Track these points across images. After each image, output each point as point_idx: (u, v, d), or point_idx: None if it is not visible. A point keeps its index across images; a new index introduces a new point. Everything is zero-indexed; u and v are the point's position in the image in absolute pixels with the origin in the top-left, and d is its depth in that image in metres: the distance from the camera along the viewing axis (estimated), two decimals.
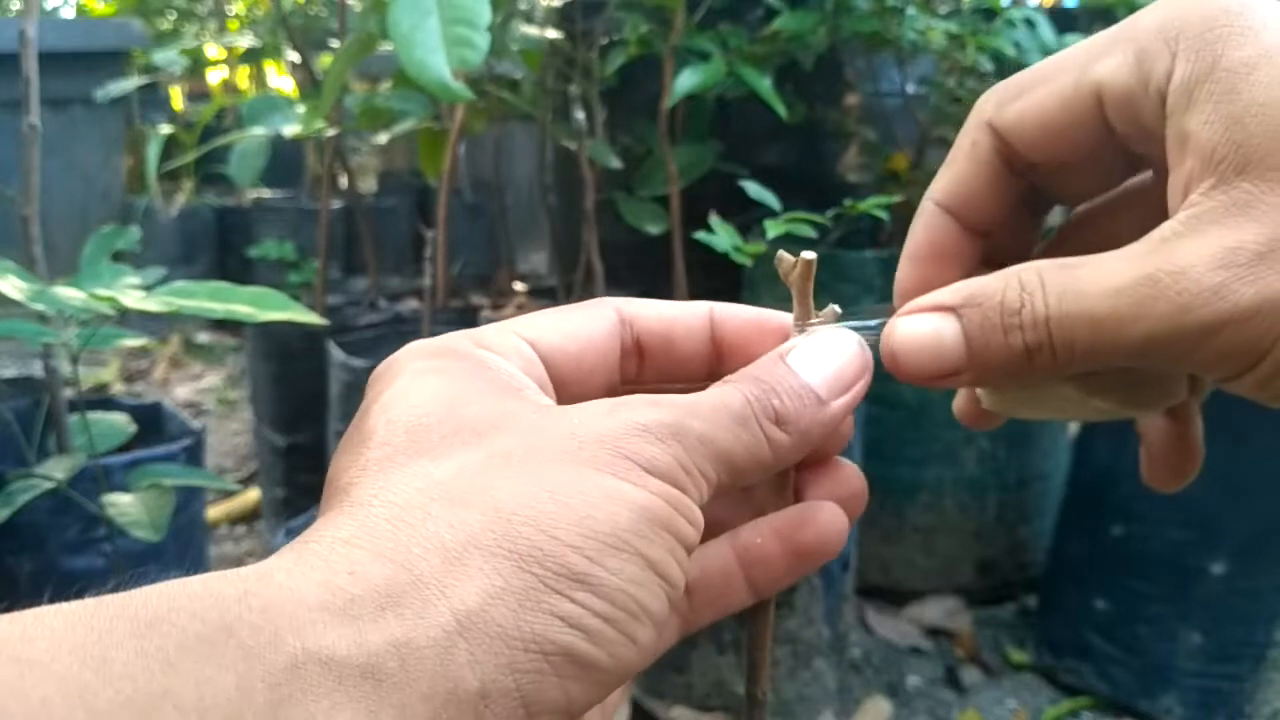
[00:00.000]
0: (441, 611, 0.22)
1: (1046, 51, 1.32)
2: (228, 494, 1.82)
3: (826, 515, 0.30)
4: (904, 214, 0.34)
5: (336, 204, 2.34)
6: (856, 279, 1.37)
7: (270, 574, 0.22)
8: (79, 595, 0.21)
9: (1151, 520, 1.25)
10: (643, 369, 0.32)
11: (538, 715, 0.23)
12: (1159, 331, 0.25)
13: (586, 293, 1.43)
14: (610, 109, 1.46)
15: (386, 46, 1.25)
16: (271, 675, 0.20)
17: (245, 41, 2.16)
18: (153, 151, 2.05)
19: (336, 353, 1.37)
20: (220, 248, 2.99)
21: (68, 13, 3.28)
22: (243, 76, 3.15)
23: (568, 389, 0.30)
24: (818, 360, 0.29)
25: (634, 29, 1.31)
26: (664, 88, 1.27)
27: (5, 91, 1.29)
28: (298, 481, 1.61)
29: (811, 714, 1.23)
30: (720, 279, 1.33)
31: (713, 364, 0.32)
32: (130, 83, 2.19)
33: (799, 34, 1.32)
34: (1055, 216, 0.35)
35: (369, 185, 3.05)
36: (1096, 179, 0.32)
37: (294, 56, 1.84)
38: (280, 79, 3.07)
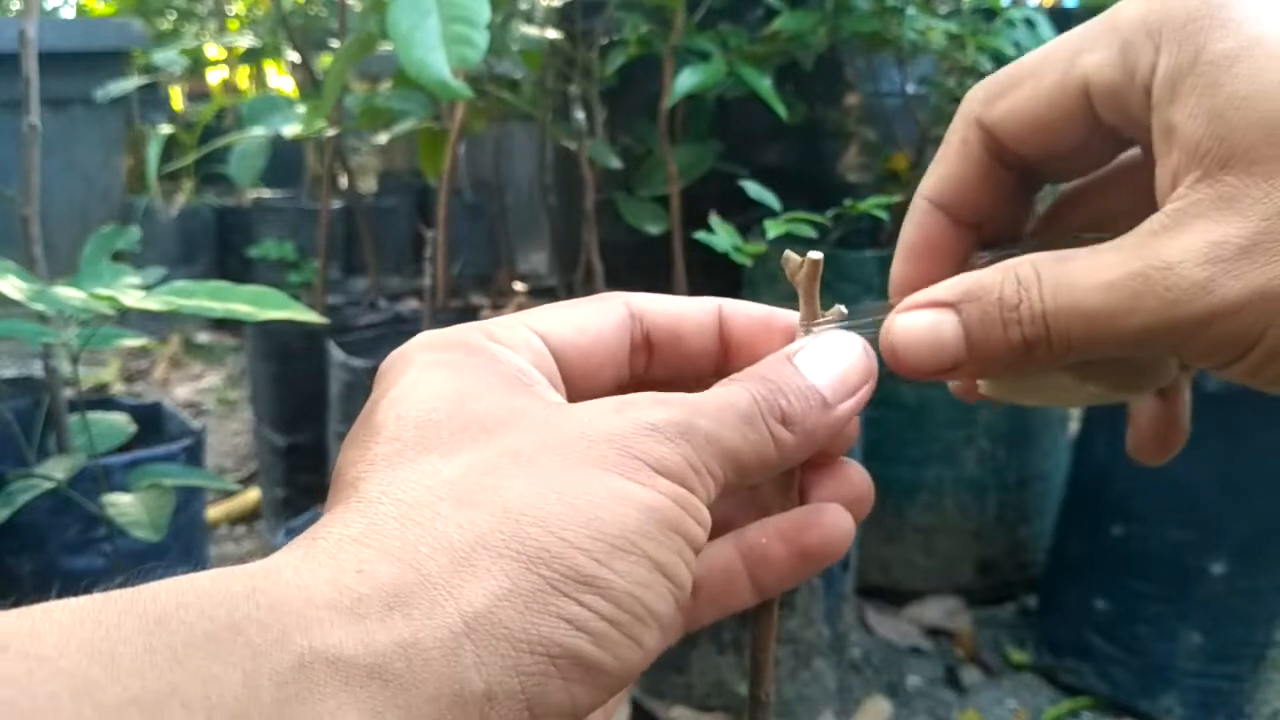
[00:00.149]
0: (449, 612, 0.22)
1: None
2: (228, 494, 1.82)
3: (832, 517, 0.30)
4: (904, 214, 0.34)
5: (336, 204, 2.33)
6: (856, 279, 1.37)
7: (278, 571, 0.22)
8: (83, 594, 0.21)
9: (1151, 520, 1.25)
10: (651, 364, 0.32)
11: (542, 717, 0.23)
12: (1151, 325, 0.25)
13: (586, 293, 1.43)
14: (610, 109, 1.46)
15: (386, 46, 1.25)
16: (279, 674, 0.20)
17: (245, 41, 2.16)
18: (153, 151, 2.05)
19: (336, 353, 1.37)
20: (220, 248, 2.99)
21: (68, 13, 3.28)
22: (243, 76, 3.15)
23: (577, 383, 0.30)
24: (825, 362, 0.29)
25: (634, 29, 1.31)
26: (664, 88, 1.27)
27: (5, 91, 1.28)
28: (298, 481, 1.61)
29: (811, 714, 1.23)
30: (720, 279, 1.33)
31: (720, 360, 0.32)
32: (130, 83, 2.19)
33: (799, 34, 1.32)
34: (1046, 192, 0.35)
35: (369, 185, 3.05)
36: (1086, 162, 0.32)
37: (294, 56, 1.84)
38: (280, 79, 3.07)
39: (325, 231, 1.65)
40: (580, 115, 1.38)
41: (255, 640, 0.20)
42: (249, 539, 1.77)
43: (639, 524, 0.24)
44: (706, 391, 0.28)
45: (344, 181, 1.84)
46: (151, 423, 1.27)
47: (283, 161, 2.34)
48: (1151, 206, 0.27)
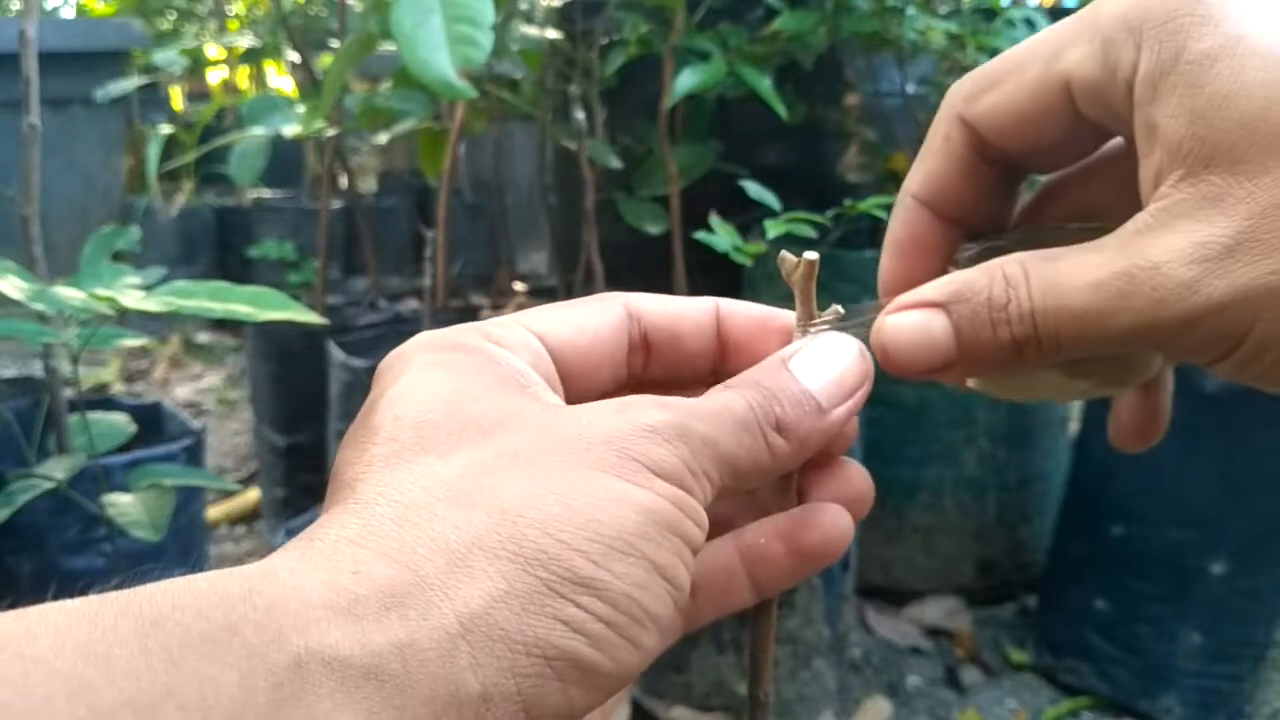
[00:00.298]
0: (445, 613, 0.22)
1: None
2: (228, 494, 1.82)
3: (830, 518, 0.30)
4: None
5: (336, 204, 2.33)
6: (856, 279, 1.37)
7: (274, 572, 0.22)
8: (81, 594, 0.21)
9: (1151, 520, 1.25)
10: (649, 364, 0.32)
11: (539, 719, 0.23)
12: (1138, 324, 0.25)
13: (586, 293, 1.43)
14: (610, 109, 1.46)
15: (387, 46, 1.25)
16: (274, 674, 0.20)
17: (245, 41, 2.16)
18: (153, 151, 2.05)
19: (336, 353, 1.37)
20: (220, 248, 2.99)
21: (68, 13, 3.27)
22: (243, 76, 3.15)
23: (575, 383, 0.30)
24: (820, 366, 0.29)
25: (634, 29, 1.31)
26: (664, 88, 1.27)
27: (5, 91, 1.28)
28: (298, 481, 1.61)
29: (811, 714, 1.23)
30: (720, 279, 1.32)
31: (718, 360, 0.32)
32: (130, 83, 2.19)
33: (799, 34, 1.32)
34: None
35: (369, 185, 3.05)
36: (1068, 154, 0.32)
37: (294, 56, 1.84)
38: (280, 79, 3.07)
39: (325, 231, 1.66)
40: (580, 115, 1.38)
41: (251, 641, 0.20)
42: (249, 539, 1.77)
43: (637, 526, 0.24)
44: (703, 396, 0.28)
45: (344, 181, 1.84)
46: (151, 423, 1.27)
47: (283, 161, 2.34)
48: (1134, 196, 0.27)
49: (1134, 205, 0.27)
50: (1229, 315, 0.25)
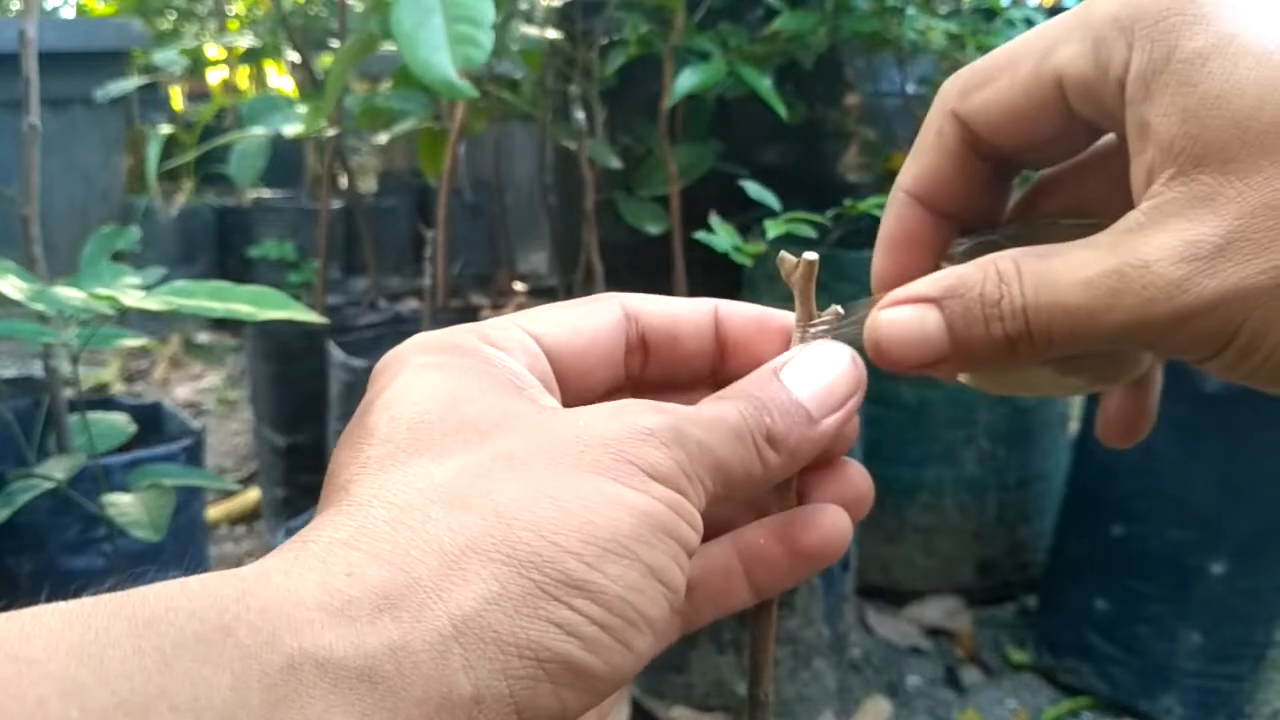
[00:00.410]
0: (438, 615, 0.22)
1: None
2: (228, 494, 1.82)
3: (829, 518, 0.30)
4: None
5: (336, 204, 2.33)
6: (856, 279, 1.36)
7: (268, 574, 0.22)
8: (78, 595, 0.21)
9: (1151, 520, 1.25)
10: (647, 365, 0.32)
11: None
12: (1129, 322, 0.26)
13: (586, 293, 1.43)
14: (610, 109, 1.46)
15: (387, 46, 1.25)
16: (268, 676, 0.20)
17: (245, 41, 2.16)
18: (153, 151, 2.05)
19: (336, 353, 1.37)
20: (220, 248, 2.99)
21: (68, 13, 3.28)
22: (243, 76, 3.15)
23: (572, 384, 0.30)
24: (811, 376, 0.29)
25: (634, 29, 1.31)
26: (664, 88, 1.27)
27: (5, 91, 1.28)
28: (298, 481, 1.61)
29: (811, 714, 1.23)
30: (720, 279, 1.33)
31: (716, 362, 0.32)
32: (130, 83, 2.19)
33: (799, 34, 1.32)
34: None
35: (369, 185, 3.05)
36: (1061, 150, 0.32)
37: (294, 56, 1.84)
38: (280, 79, 3.07)
39: (325, 231, 1.66)
40: (580, 115, 1.38)
41: (245, 642, 0.20)
42: (249, 539, 1.78)
43: (632, 528, 0.24)
44: (697, 405, 0.28)
45: (344, 181, 1.84)
46: (151, 423, 1.27)
47: (283, 161, 2.34)
48: (1126, 192, 0.27)
49: (1127, 201, 0.27)
50: (1219, 314, 0.25)
